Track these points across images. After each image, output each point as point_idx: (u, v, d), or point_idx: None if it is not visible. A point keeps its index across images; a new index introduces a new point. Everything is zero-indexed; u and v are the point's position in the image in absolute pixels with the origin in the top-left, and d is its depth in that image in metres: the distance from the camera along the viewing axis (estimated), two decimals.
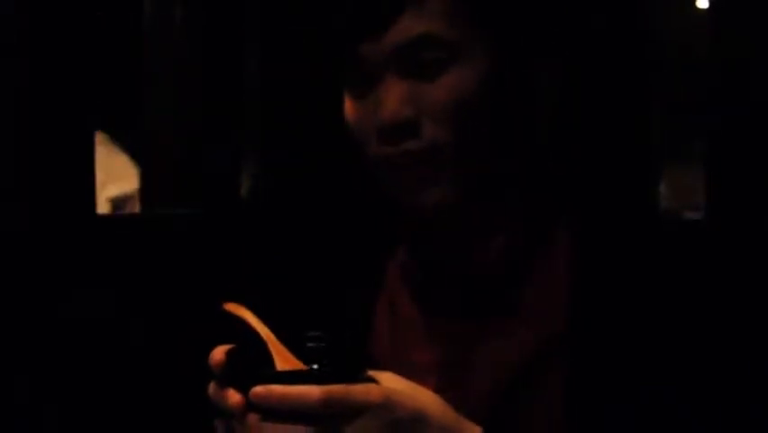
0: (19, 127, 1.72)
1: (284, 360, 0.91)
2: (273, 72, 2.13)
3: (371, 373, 0.91)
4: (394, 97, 0.98)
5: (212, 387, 0.92)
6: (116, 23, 2.27)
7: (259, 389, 0.87)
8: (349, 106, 1.03)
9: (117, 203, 2.54)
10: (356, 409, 0.86)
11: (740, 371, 0.98)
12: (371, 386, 0.88)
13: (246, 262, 1.88)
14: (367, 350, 1.09)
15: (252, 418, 0.88)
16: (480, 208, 1.03)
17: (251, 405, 0.88)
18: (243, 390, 0.89)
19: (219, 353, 0.92)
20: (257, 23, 2.14)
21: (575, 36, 1.10)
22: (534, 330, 1.02)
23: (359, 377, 0.89)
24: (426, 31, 0.98)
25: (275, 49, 2.12)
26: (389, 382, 0.90)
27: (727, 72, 1.72)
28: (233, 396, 0.89)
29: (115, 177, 2.53)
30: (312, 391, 0.85)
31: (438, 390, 1.00)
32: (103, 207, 2.32)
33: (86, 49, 1.77)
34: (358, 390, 0.87)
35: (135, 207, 2.42)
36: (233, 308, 0.96)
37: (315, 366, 0.89)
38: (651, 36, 1.96)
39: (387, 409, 0.87)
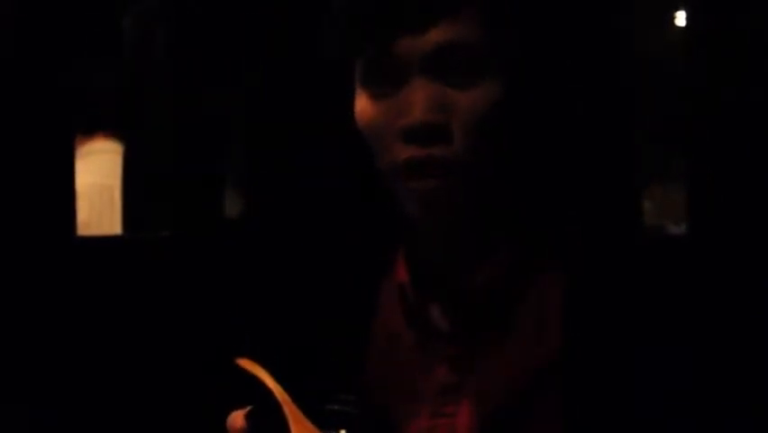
0: None
1: (298, 423, 0.90)
2: (258, 93, 2.12)
3: None
4: (426, 100, 0.96)
5: None
6: (99, 38, 2.27)
7: None
8: (367, 106, 1.01)
9: None
10: None
11: (729, 383, 0.97)
12: None
13: (229, 286, 1.87)
14: (364, 377, 1.07)
15: None
16: (480, 227, 1.02)
17: None
18: None
19: (239, 419, 0.92)
20: (246, 44, 2.14)
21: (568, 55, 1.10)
22: (529, 352, 1.01)
23: None
24: (464, 37, 0.97)
25: (262, 67, 2.12)
26: None
27: (706, 91, 1.73)
28: None
29: None
30: None
31: (433, 413, 0.99)
32: None
33: (70, 67, 1.77)
34: None
35: None
36: (247, 364, 0.94)
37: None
38: (632, 57, 1.98)
39: None
